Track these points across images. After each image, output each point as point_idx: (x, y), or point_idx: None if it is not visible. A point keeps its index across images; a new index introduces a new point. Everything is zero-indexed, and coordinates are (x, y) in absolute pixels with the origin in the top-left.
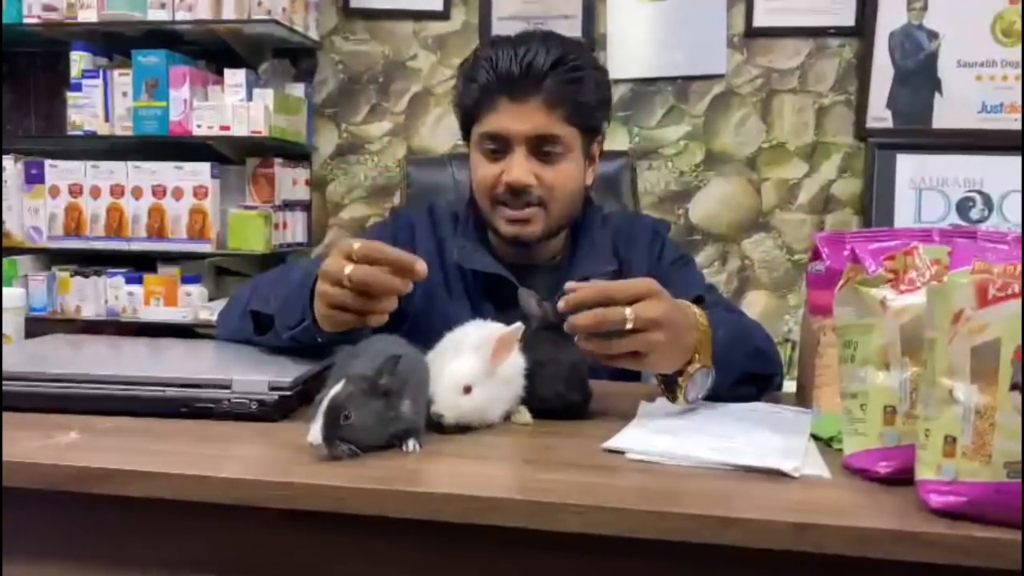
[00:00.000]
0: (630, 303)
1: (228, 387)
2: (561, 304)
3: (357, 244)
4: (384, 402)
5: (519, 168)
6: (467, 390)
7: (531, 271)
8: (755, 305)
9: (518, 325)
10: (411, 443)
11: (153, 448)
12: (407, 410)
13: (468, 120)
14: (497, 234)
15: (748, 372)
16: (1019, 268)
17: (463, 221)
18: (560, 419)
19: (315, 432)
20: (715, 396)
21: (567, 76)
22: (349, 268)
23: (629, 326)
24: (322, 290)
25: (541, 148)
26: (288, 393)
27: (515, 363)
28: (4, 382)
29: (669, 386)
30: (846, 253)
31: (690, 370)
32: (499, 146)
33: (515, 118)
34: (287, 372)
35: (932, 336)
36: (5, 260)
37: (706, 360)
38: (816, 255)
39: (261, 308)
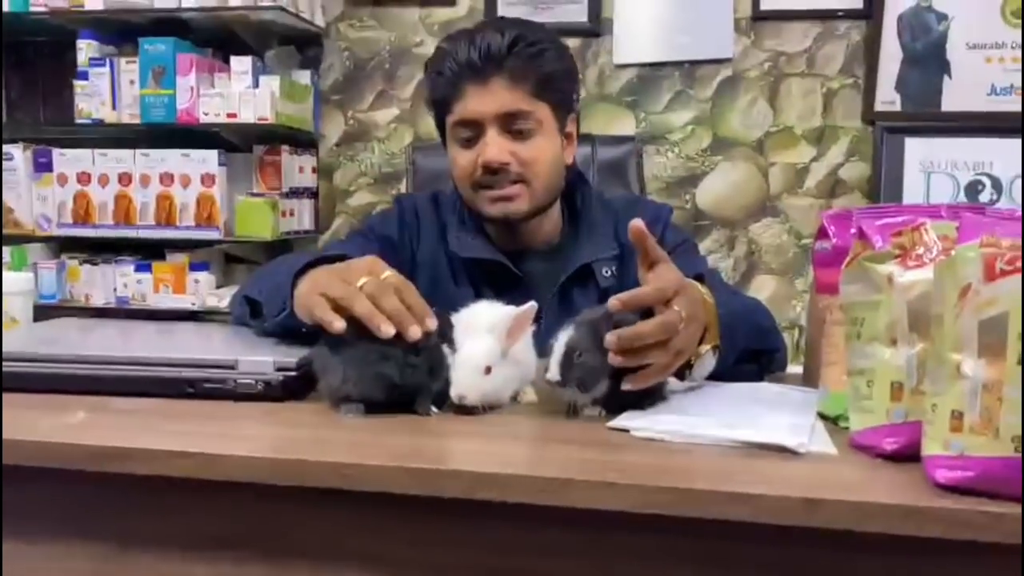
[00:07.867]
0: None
1: (234, 368)
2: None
3: (389, 272)
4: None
5: (493, 147)
6: (487, 371)
7: (528, 256)
8: (763, 290)
9: (532, 304)
10: None
11: (161, 428)
12: None
13: (441, 115)
14: (484, 218)
15: (751, 349)
16: None
17: (458, 211)
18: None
19: (553, 370)
20: (718, 374)
21: (526, 52)
22: (363, 281)
23: (682, 326)
24: (324, 279)
25: (512, 126)
26: (293, 374)
27: (526, 345)
28: (14, 363)
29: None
30: (853, 231)
31: (701, 349)
32: (472, 132)
33: (481, 100)
34: (293, 353)
35: (940, 311)
36: (15, 248)
37: (715, 339)
38: (823, 233)
39: (254, 295)
